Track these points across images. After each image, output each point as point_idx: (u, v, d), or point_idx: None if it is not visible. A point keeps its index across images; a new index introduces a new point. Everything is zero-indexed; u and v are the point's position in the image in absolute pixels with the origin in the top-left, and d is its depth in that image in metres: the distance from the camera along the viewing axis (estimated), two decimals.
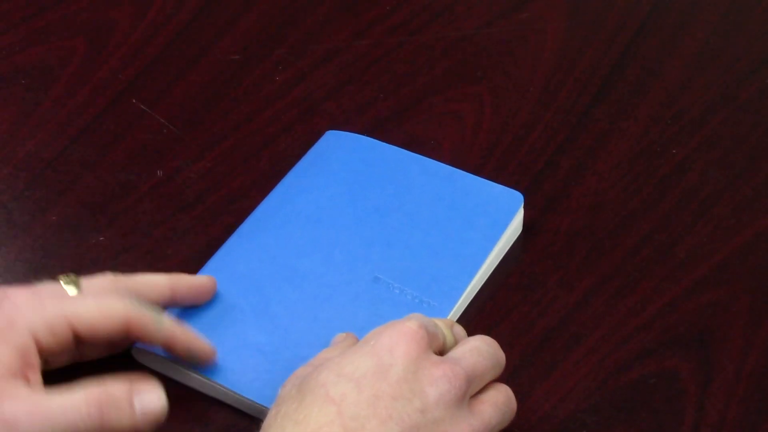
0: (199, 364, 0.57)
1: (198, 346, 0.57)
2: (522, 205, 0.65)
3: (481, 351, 0.53)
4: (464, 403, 0.51)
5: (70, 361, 0.56)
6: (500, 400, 0.53)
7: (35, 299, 0.54)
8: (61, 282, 0.56)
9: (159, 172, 0.69)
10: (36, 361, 0.52)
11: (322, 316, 0.60)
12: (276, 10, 0.78)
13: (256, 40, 0.77)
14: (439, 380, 0.50)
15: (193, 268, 0.64)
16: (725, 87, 0.74)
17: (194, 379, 0.58)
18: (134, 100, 0.73)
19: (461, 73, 0.75)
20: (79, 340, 0.54)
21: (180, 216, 0.67)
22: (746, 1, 0.79)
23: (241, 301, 0.60)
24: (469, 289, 0.62)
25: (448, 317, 0.61)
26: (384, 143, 0.68)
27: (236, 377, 0.57)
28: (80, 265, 0.65)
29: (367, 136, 0.69)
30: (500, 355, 0.54)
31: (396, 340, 0.50)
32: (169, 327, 0.56)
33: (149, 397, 0.52)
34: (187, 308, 0.60)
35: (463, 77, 0.75)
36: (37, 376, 0.52)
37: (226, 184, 0.69)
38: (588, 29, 0.77)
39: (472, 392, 0.52)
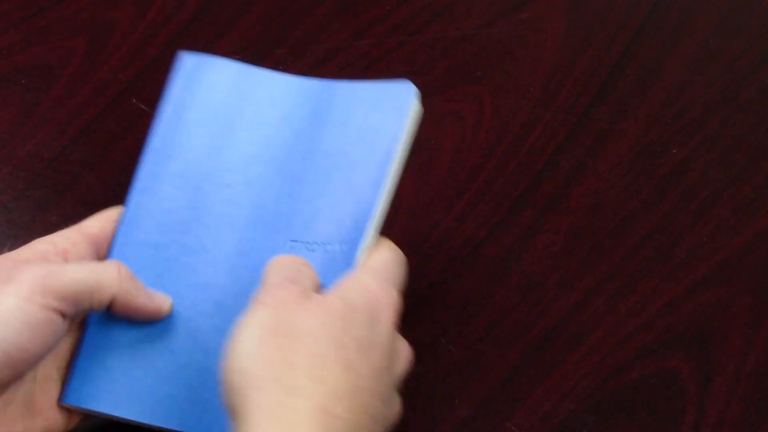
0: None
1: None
2: (414, 96, 0.57)
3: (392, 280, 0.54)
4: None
5: None
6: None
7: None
8: None
9: None
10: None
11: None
12: (276, 10, 0.78)
13: (256, 40, 0.77)
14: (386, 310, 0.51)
15: None
16: (725, 87, 0.74)
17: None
18: (134, 100, 0.73)
19: (461, 73, 0.75)
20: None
21: None
22: (746, 1, 0.79)
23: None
24: (378, 215, 0.55)
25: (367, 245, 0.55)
26: (254, 67, 0.62)
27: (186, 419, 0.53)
28: None
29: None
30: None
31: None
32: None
33: (158, 294, 0.55)
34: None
35: (463, 77, 0.75)
36: None
37: None
38: (588, 29, 0.77)
39: None
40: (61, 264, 0.52)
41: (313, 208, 0.56)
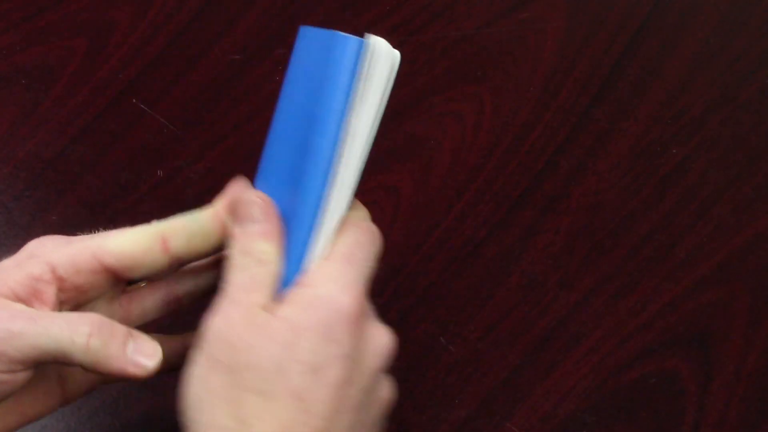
0: None
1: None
2: (363, 48, 0.51)
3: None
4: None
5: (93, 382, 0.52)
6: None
7: (64, 238, 0.50)
8: None
9: (159, 172, 0.69)
10: (49, 293, 0.48)
11: None
12: (276, 10, 0.78)
13: (256, 40, 0.77)
14: (379, 352, 0.48)
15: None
16: (725, 87, 0.74)
17: None
18: (134, 100, 0.73)
19: (461, 73, 0.75)
20: (114, 277, 0.49)
21: None
22: (746, 1, 0.79)
23: None
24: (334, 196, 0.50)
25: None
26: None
27: None
28: None
29: None
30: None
31: (345, 322, 0.46)
32: (212, 215, 0.50)
33: (145, 345, 0.48)
34: None
35: (463, 77, 0.75)
36: (44, 306, 0.48)
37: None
38: (588, 29, 0.77)
39: None
40: (27, 318, 0.46)
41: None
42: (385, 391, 0.49)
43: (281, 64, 0.76)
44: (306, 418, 0.44)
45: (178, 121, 0.72)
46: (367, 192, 0.68)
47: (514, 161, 0.70)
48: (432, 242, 0.66)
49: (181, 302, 0.53)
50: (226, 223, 0.51)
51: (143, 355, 0.48)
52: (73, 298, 0.50)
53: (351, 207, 0.51)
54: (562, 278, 0.65)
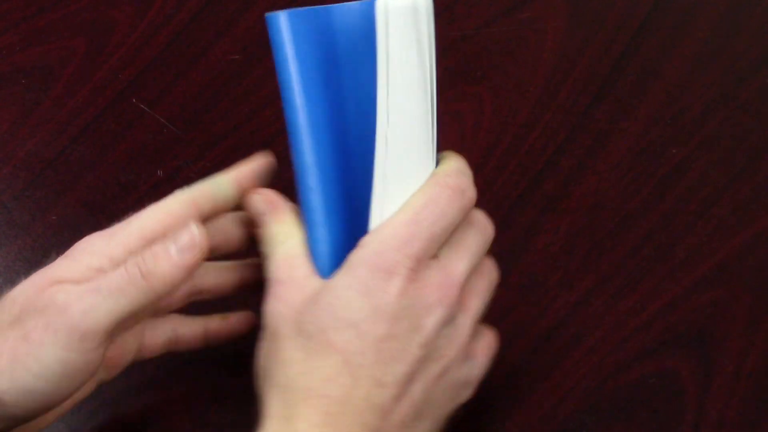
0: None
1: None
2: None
3: (471, 249, 0.52)
4: (456, 310, 0.50)
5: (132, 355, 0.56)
6: (482, 287, 0.53)
7: (106, 233, 0.53)
8: None
9: (159, 172, 0.70)
10: None
11: None
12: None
13: (256, 40, 0.77)
14: (433, 308, 0.49)
15: None
16: (725, 87, 0.74)
17: None
18: (134, 100, 0.73)
19: (461, 73, 0.75)
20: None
21: None
22: (746, 1, 0.79)
23: None
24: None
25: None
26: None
27: None
28: None
29: None
30: (490, 233, 0.54)
31: (384, 277, 0.49)
32: (232, 179, 0.55)
33: (182, 236, 0.51)
34: None
35: (463, 77, 0.75)
36: None
37: None
38: (588, 29, 0.77)
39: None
40: (94, 290, 0.50)
41: None
42: (451, 346, 0.50)
43: None
44: (348, 369, 0.47)
45: (178, 121, 0.72)
46: None
47: (514, 161, 0.70)
48: None
49: (203, 296, 0.58)
50: (242, 185, 0.55)
51: (187, 245, 0.51)
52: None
53: (442, 159, 0.54)
54: (562, 278, 0.65)
